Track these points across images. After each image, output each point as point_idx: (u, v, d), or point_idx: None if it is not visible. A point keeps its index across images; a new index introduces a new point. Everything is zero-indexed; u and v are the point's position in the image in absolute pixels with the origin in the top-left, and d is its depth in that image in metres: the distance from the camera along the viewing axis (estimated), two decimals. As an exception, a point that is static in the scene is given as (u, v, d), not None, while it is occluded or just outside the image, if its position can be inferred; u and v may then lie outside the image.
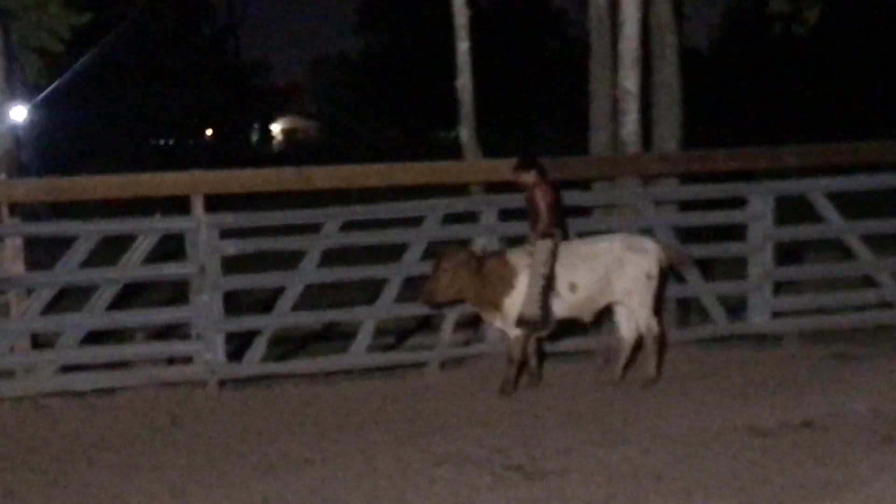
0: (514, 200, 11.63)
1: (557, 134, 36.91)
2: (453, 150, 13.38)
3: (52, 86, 16.16)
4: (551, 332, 10.96)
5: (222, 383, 11.27)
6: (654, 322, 11.07)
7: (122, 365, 11.39)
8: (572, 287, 10.78)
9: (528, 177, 10.79)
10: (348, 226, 11.54)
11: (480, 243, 11.48)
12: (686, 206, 12.56)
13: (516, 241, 11.38)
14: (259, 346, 11.38)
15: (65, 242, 11.12)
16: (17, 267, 11.02)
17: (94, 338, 11.39)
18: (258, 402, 10.81)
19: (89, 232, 11.02)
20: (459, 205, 11.91)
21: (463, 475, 8.46)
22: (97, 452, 9.40)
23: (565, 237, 10.97)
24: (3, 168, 11.60)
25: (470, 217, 11.89)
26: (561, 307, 10.80)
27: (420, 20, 56.23)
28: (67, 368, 11.14)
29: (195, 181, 11.32)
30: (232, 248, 11.28)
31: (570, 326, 11.49)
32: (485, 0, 58.37)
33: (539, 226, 10.66)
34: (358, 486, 8.30)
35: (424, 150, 28.49)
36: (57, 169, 16.55)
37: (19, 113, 13.56)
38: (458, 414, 10.24)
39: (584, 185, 12.45)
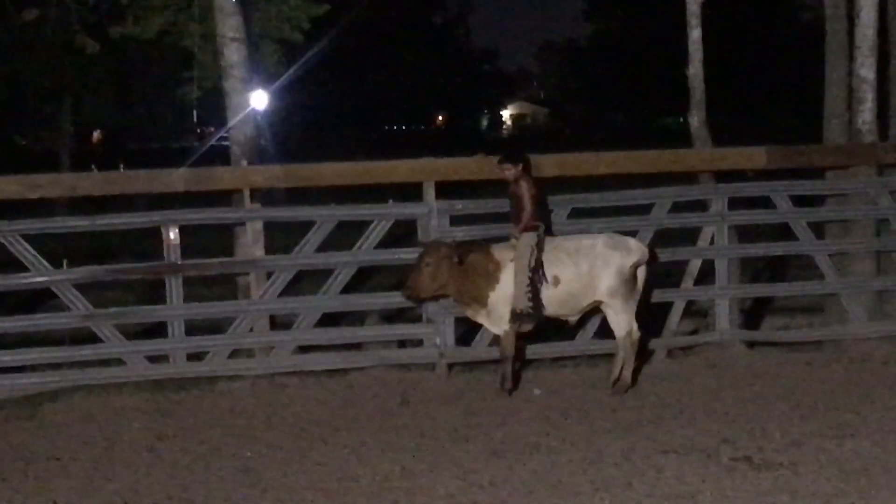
0: (744, 189, 11.65)
1: (789, 121, 36.17)
2: (680, 137, 13.28)
3: (289, 72, 16.51)
4: (536, 326, 10.75)
5: (451, 366, 11.48)
6: (635, 326, 10.79)
7: (356, 346, 11.71)
8: (555, 281, 10.57)
9: (512, 171, 10.62)
10: (575, 213, 11.61)
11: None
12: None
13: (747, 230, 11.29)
14: (487, 332, 11.54)
15: (298, 227, 11.46)
16: (258, 250, 11.41)
17: (329, 319, 11.72)
18: (486, 386, 10.95)
19: (325, 217, 11.35)
20: (689, 193, 11.88)
21: (689, 465, 8.45)
22: (330, 431, 9.69)
23: (548, 232, 10.75)
24: (245, 154, 11.96)
25: (699, 205, 11.84)
26: (544, 301, 10.60)
27: (650, 6, 55.64)
28: (303, 348, 11.50)
29: (428, 168, 11.57)
30: (460, 234, 11.46)
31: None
32: (716, -15, 57.02)
33: (522, 219, 10.50)
34: (585, 473, 8.36)
35: (651, 136, 28.31)
36: (291, 154, 17.00)
37: (260, 100, 13.86)
38: (685, 403, 10.23)
39: (818, 173, 12.26)
